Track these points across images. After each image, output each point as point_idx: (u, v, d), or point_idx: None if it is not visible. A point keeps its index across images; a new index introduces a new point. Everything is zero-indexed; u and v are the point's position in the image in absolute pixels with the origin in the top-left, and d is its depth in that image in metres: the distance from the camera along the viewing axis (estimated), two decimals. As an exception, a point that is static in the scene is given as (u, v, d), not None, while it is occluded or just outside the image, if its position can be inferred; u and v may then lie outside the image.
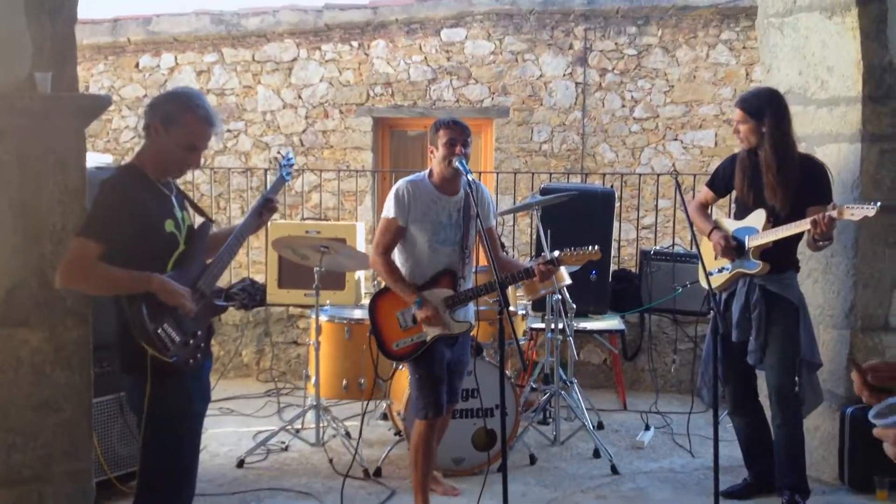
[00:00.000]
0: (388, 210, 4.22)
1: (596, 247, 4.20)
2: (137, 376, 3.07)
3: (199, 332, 3.18)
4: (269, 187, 3.62)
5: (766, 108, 4.45)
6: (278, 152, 3.96)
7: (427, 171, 4.31)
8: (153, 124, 3.13)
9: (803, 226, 4.30)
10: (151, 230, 3.09)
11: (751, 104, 4.50)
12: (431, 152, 4.23)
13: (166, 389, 3.07)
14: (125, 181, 3.09)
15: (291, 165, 3.76)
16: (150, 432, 3.11)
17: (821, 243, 4.36)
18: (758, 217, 4.51)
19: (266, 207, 3.44)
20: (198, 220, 3.39)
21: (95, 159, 5.17)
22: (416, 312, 4.17)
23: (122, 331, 3.10)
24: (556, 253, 4.21)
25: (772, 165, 4.43)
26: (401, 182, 4.26)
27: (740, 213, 4.67)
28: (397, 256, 4.31)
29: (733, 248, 4.53)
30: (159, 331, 3.00)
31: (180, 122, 3.11)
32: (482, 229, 4.14)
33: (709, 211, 4.88)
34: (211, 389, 3.43)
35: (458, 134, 4.17)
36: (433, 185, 4.24)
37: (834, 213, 4.15)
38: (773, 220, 4.45)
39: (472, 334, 4.52)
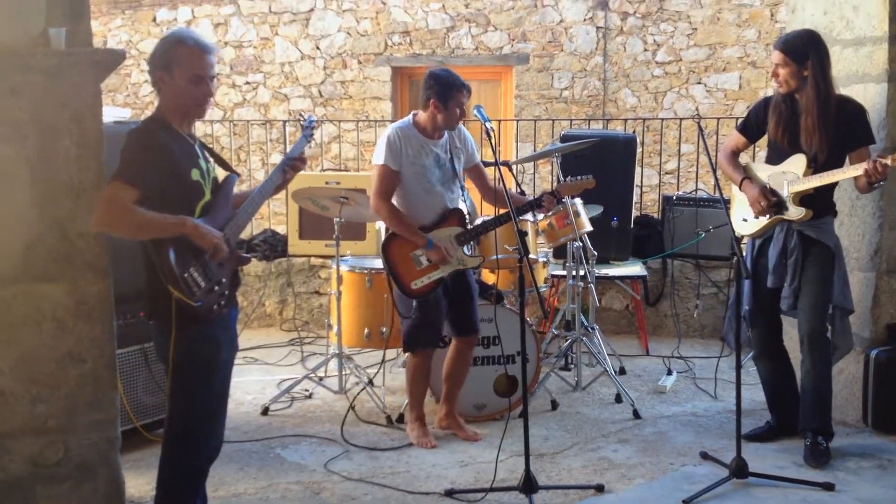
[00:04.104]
0: (381, 157, 4.38)
1: (589, 176, 4.60)
2: (163, 323, 3.11)
3: (224, 280, 3.22)
4: (290, 148, 3.64)
5: (811, 52, 4.31)
6: (300, 114, 3.98)
7: (410, 117, 4.48)
8: (158, 75, 3.18)
9: (853, 171, 4.23)
10: (179, 177, 3.13)
11: (793, 46, 4.35)
12: (435, 106, 4.34)
13: (193, 337, 3.11)
14: (152, 129, 3.14)
15: (313, 128, 3.76)
16: (178, 380, 3.15)
17: (876, 185, 4.27)
18: (797, 162, 4.40)
19: (290, 165, 3.46)
20: (221, 174, 3.41)
21: (113, 114, 5.18)
22: (428, 254, 4.36)
23: (149, 277, 3.15)
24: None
25: (811, 110, 4.32)
26: (390, 129, 4.46)
27: (774, 158, 4.57)
28: (395, 203, 4.47)
29: (774, 204, 4.45)
30: (186, 275, 3.04)
31: (177, 60, 3.14)
32: (481, 166, 4.53)
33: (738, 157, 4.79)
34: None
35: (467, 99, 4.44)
36: (419, 130, 4.44)
37: (888, 161, 4.08)
38: (814, 167, 4.37)
39: (492, 283, 4.65)
